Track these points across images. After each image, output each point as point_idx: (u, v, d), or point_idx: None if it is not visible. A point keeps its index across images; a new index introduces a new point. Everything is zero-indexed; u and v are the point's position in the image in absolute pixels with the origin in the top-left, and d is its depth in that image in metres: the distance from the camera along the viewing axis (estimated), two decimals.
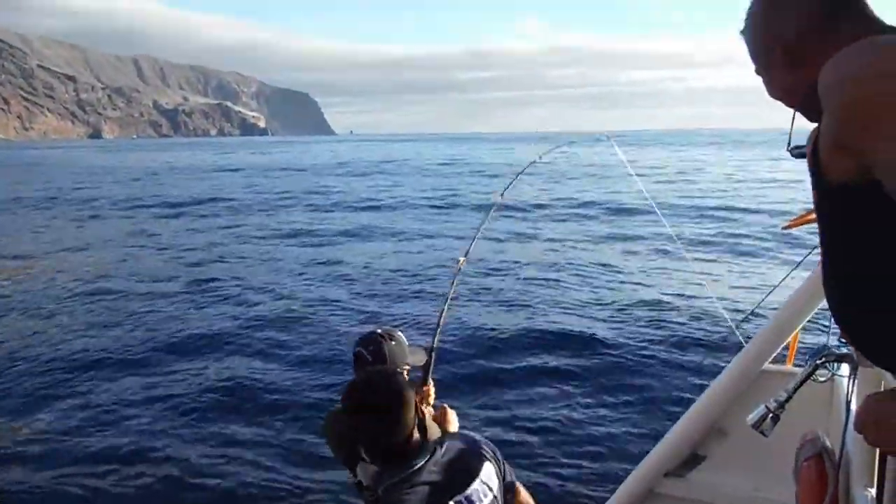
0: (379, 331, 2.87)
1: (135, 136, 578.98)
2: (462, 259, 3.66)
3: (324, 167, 61.45)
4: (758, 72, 1.41)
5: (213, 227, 23.66)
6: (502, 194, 4.02)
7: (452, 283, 3.62)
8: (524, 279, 13.52)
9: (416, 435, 2.06)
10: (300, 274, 15.32)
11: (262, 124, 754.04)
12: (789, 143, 1.71)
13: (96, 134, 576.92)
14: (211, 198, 32.57)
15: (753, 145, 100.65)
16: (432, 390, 3.07)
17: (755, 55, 1.39)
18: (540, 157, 4.60)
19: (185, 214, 27.05)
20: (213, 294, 13.41)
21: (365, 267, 15.63)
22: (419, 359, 2.98)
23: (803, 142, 1.43)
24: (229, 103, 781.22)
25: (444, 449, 2.11)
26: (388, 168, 57.50)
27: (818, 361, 1.94)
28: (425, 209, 26.56)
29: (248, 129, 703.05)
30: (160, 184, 44.34)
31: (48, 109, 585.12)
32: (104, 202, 31.90)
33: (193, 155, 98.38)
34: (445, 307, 3.46)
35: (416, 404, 2.06)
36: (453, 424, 2.93)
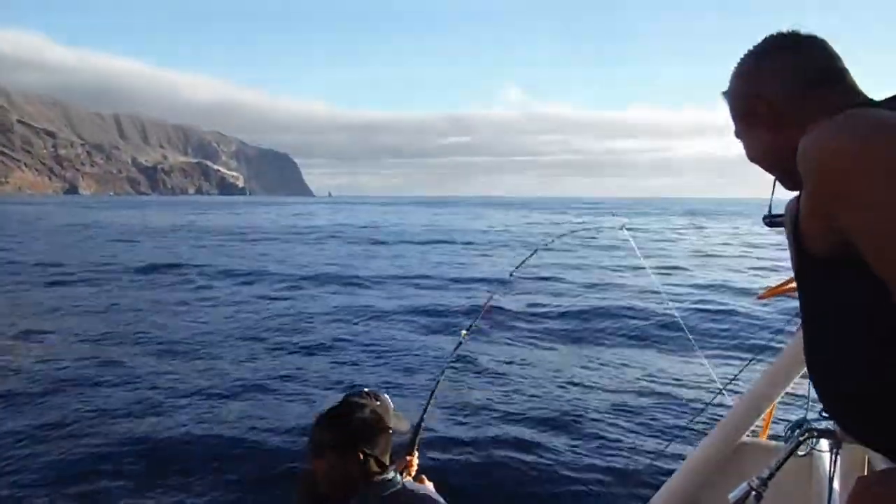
0: (366, 389, 2.73)
1: (112, 193, 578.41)
2: (464, 332, 3.60)
3: (293, 231, 61.23)
4: (737, 134, 1.44)
5: (182, 293, 23.41)
6: (469, 329, 3.68)
7: (454, 352, 3.61)
8: (520, 361, 13.33)
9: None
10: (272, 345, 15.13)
11: (240, 184, 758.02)
12: (769, 211, 1.70)
13: (72, 189, 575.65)
14: (174, 263, 31.99)
15: (729, 216, 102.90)
16: (416, 461, 2.97)
17: (738, 114, 1.42)
18: (512, 273, 4.31)
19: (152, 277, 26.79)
20: (177, 361, 13.18)
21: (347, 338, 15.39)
22: (402, 425, 2.86)
23: (779, 211, 1.43)
24: (209, 162, 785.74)
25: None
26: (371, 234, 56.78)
27: (800, 438, 1.90)
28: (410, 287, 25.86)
29: (226, 188, 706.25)
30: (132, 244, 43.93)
31: (25, 164, 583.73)
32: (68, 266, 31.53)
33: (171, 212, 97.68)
34: (441, 378, 3.43)
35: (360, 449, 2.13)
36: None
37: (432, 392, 3.35)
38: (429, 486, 2.88)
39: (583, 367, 11.39)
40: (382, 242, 44.12)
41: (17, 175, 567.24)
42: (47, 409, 9.86)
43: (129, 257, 32.35)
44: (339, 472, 2.19)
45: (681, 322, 10.85)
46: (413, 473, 2.92)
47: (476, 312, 3.77)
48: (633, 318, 13.38)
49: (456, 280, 22.59)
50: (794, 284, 2.43)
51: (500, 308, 12.68)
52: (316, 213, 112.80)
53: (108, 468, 7.70)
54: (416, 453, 2.99)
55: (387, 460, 2.26)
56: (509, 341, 12.72)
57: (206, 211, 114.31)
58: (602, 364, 11.34)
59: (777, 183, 1.44)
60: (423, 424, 3.14)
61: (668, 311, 12.18)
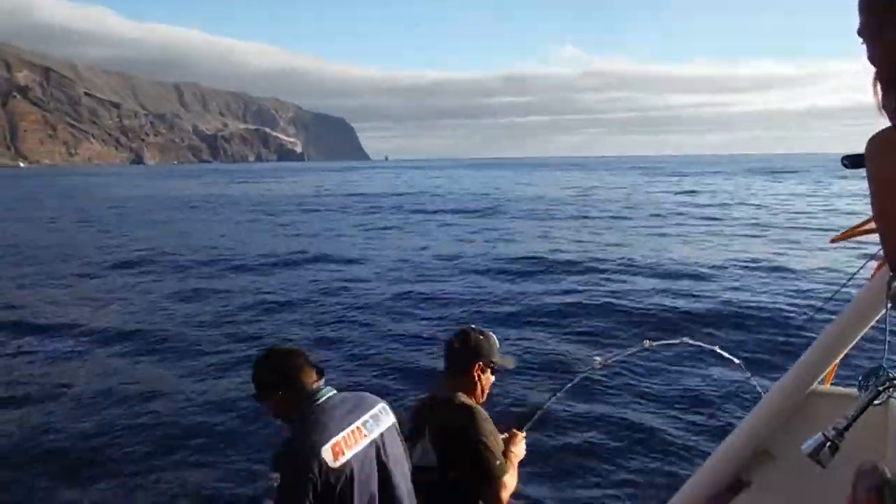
0: (474, 326, 3.15)
1: (175, 162, 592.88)
2: (599, 360, 3.50)
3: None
4: (867, 31, 1.38)
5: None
6: (603, 363, 3.58)
7: (582, 372, 3.73)
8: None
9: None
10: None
11: (298, 150, 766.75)
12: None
13: (138, 159, 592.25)
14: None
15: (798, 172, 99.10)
16: (522, 437, 3.16)
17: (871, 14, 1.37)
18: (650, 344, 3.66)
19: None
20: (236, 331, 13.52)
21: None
22: (508, 363, 3.17)
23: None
24: (267, 129, 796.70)
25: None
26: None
27: (880, 387, 1.82)
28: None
29: (285, 154, 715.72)
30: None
31: (93, 136, 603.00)
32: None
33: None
34: (570, 385, 3.55)
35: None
36: (519, 448, 3.08)
37: (556, 391, 3.56)
38: (521, 445, 3.11)
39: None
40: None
41: (85, 146, 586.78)
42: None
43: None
44: (282, 407, 2.63)
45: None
46: (517, 446, 3.09)
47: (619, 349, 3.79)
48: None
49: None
50: (869, 226, 2.34)
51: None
52: (372, 178, 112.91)
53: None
54: (525, 432, 3.21)
55: (311, 376, 2.65)
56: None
57: (259, 179, 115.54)
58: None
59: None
60: (540, 413, 3.38)
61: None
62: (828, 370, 2.53)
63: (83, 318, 13.98)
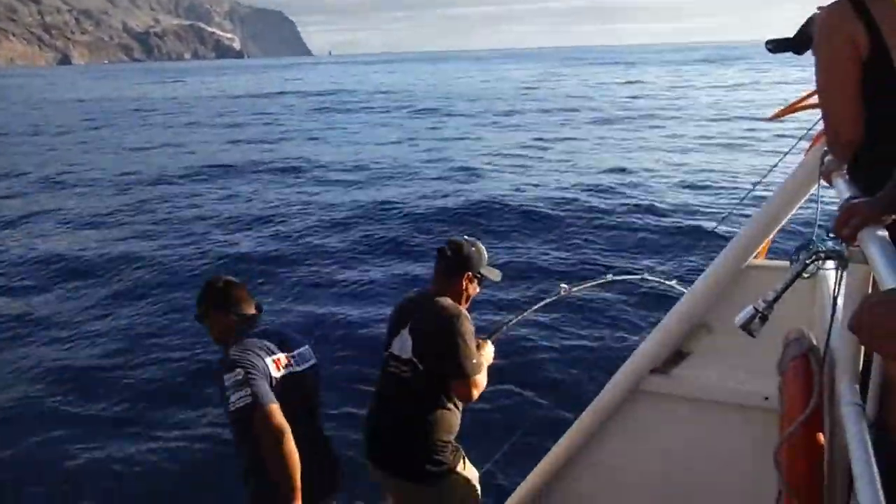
0: (466, 236, 3.23)
1: (106, 62, 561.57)
2: (566, 288, 3.74)
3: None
4: None
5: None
6: (569, 290, 3.75)
7: (549, 297, 3.78)
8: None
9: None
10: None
11: (237, 46, 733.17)
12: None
13: (65, 60, 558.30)
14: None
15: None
16: (488, 346, 3.26)
17: None
18: (614, 275, 4.26)
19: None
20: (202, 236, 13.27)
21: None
22: (494, 275, 3.23)
23: None
24: (202, 24, 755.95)
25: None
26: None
27: (807, 260, 1.88)
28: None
29: (223, 51, 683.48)
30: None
31: (12, 34, 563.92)
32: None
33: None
34: (536, 306, 3.73)
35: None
36: (487, 352, 3.20)
37: (525, 311, 3.68)
38: (490, 350, 3.24)
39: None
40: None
41: (6, 46, 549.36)
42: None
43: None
44: (222, 329, 2.94)
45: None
46: (485, 351, 3.21)
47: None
48: None
49: None
50: (809, 101, 2.38)
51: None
52: (314, 74, 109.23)
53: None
54: (491, 344, 3.31)
55: (251, 306, 3.01)
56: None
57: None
58: None
59: None
60: (505, 329, 3.54)
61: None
62: (762, 245, 2.64)
63: None
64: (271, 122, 35.84)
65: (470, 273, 3.09)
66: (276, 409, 2.60)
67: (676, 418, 2.95)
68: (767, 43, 2.02)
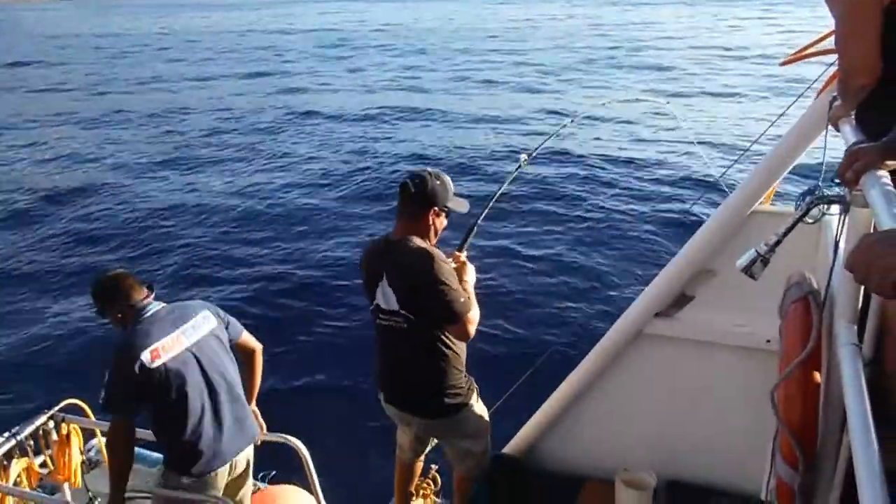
0: (428, 169, 3.04)
1: None
2: (524, 157, 3.70)
3: None
4: None
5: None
6: (529, 156, 3.75)
7: (512, 174, 3.71)
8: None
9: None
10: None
11: None
12: None
13: None
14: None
15: None
16: (463, 257, 3.20)
17: None
18: (572, 121, 4.46)
19: None
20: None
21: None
22: (461, 205, 3.08)
23: None
24: None
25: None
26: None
27: (810, 204, 1.91)
28: None
29: None
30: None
31: None
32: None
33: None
34: (499, 191, 3.59)
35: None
36: (469, 275, 3.12)
37: (489, 203, 3.51)
38: (471, 271, 3.16)
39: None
40: None
41: None
42: None
43: None
44: (119, 320, 3.11)
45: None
46: (466, 273, 3.14)
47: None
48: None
49: None
50: (818, 47, 2.36)
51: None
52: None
53: None
54: (465, 252, 3.24)
55: (141, 293, 3.14)
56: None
57: None
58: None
59: None
60: (475, 228, 3.38)
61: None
62: (768, 191, 2.65)
63: None
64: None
65: (436, 208, 2.94)
66: (118, 422, 3.00)
67: (680, 360, 3.01)
68: None
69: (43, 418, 3.63)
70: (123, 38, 51.45)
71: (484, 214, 3.43)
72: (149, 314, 3.08)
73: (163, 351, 2.98)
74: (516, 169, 3.71)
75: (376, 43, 42.19)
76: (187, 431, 3.03)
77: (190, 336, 3.10)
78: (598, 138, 15.27)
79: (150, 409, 3.10)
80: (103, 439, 3.78)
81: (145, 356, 2.93)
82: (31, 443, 3.64)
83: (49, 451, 3.74)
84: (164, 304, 3.18)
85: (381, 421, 3.34)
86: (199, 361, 3.10)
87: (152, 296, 3.18)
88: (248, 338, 3.44)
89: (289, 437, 3.62)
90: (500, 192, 3.60)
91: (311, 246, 9.16)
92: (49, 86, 27.16)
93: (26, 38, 53.93)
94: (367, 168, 13.08)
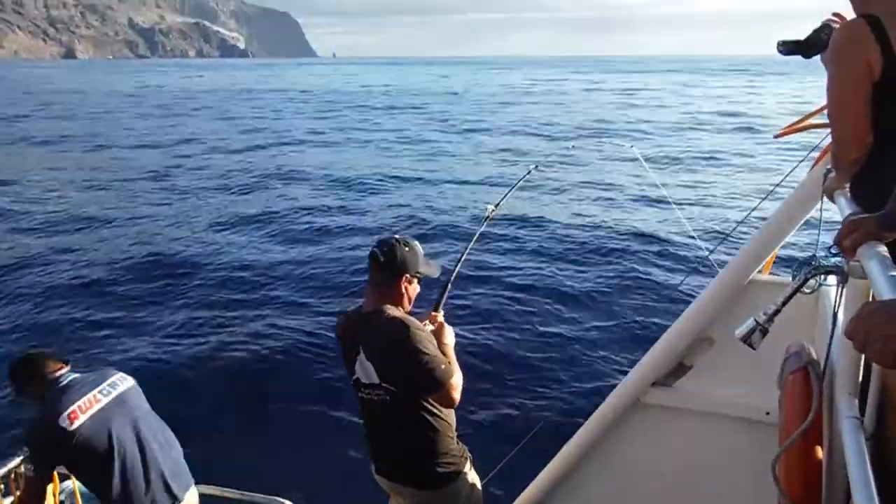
0: (396, 236, 2.99)
1: (110, 57, 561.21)
2: (491, 208, 3.73)
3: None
4: None
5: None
6: (497, 205, 3.79)
7: (480, 226, 3.71)
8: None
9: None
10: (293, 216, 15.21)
11: (241, 45, 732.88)
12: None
13: (70, 54, 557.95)
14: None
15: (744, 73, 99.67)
16: (440, 317, 3.15)
17: None
18: (536, 167, 4.55)
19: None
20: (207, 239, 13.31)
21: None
22: (432, 271, 3.03)
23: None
24: (207, 22, 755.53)
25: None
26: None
27: (808, 274, 1.91)
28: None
29: (227, 50, 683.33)
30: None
31: (18, 27, 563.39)
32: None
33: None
34: (470, 245, 3.58)
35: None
36: (449, 337, 3.04)
37: (459, 259, 3.47)
38: (450, 333, 3.09)
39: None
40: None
41: (11, 38, 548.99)
42: None
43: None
44: (36, 398, 3.18)
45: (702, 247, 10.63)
46: (445, 336, 3.06)
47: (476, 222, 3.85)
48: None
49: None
50: (811, 121, 2.42)
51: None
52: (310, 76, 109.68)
53: None
54: (442, 311, 3.19)
55: (56, 366, 3.20)
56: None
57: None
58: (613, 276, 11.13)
59: None
60: (449, 286, 3.32)
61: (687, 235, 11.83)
62: (766, 260, 2.67)
63: None
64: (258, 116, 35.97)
65: (408, 275, 2.88)
66: (35, 481, 3.07)
67: (678, 431, 2.97)
68: (779, 44, 2.06)
69: (16, 461, 3.54)
70: (129, 95, 52.62)
71: (456, 271, 3.39)
72: (64, 383, 3.14)
73: (80, 411, 3.03)
74: (484, 220, 3.70)
75: (345, 104, 43.78)
76: (116, 486, 3.05)
77: (108, 394, 3.15)
78: (562, 184, 15.75)
79: (77, 469, 3.16)
80: (78, 483, 3.72)
81: (63, 421, 2.98)
82: (2, 486, 3.54)
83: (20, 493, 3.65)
84: (78, 374, 3.24)
85: (374, 491, 3.26)
86: (120, 417, 3.13)
87: (68, 367, 3.25)
88: None
89: (279, 498, 3.53)
90: (470, 246, 3.57)
91: (287, 313, 9.10)
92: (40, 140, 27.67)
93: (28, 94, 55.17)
94: (337, 230, 13.23)
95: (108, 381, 3.22)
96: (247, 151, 24.55)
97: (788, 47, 2.22)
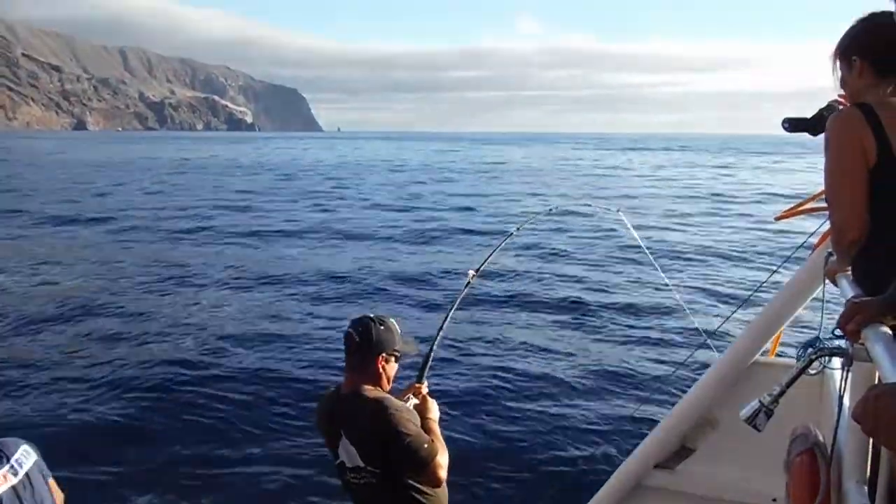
0: (371, 315, 2.95)
1: (120, 129, 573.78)
2: (472, 273, 3.75)
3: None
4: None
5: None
6: (477, 271, 3.84)
7: (461, 292, 3.67)
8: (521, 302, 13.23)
9: None
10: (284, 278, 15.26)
11: (249, 119, 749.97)
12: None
13: (81, 125, 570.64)
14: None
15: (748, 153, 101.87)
16: (424, 389, 3.12)
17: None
18: (518, 229, 4.61)
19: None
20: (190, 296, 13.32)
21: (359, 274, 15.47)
22: (410, 349, 3.01)
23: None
24: (216, 97, 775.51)
25: None
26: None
27: (812, 356, 1.90)
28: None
29: (234, 123, 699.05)
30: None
31: (32, 99, 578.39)
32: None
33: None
34: (451, 312, 3.54)
35: None
36: (433, 412, 3.00)
37: (440, 326, 3.44)
38: (431, 403, 3.05)
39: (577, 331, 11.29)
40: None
41: (24, 110, 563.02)
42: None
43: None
44: None
45: (685, 308, 10.70)
46: (430, 411, 3.02)
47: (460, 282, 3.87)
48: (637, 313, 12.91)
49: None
50: (811, 205, 2.45)
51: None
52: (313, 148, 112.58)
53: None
54: (426, 382, 3.16)
55: None
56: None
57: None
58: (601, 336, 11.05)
59: None
60: (432, 355, 3.29)
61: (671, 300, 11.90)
62: (770, 342, 2.65)
63: None
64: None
65: (384, 353, 2.85)
66: None
67: None
68: (784, 121, 2.12)
69: None
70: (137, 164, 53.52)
71: (438, 339, 3.35)
72: None
73: None
74: (465, 286, 3.67)
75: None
76: None
77: (17, 471, 2.92)
78: (545, 249, 15.83)
79: None
80: None
81: None
82: None
83: None
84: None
85: None
86: (25, 499, 2.90)
87: None
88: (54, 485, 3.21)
89: None
90: (451, 313, 3.54)
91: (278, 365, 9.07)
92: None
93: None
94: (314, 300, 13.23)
95: (15, 457, 2.93)
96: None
97: (793, 124, 2.27)
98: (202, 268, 15.93)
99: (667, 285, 12.12)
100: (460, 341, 9.86)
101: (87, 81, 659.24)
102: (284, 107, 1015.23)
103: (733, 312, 4.01)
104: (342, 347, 2.87)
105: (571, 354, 9.60)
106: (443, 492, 2.88)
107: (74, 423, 7.37)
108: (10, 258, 17.04)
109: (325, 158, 76.39)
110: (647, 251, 5.98)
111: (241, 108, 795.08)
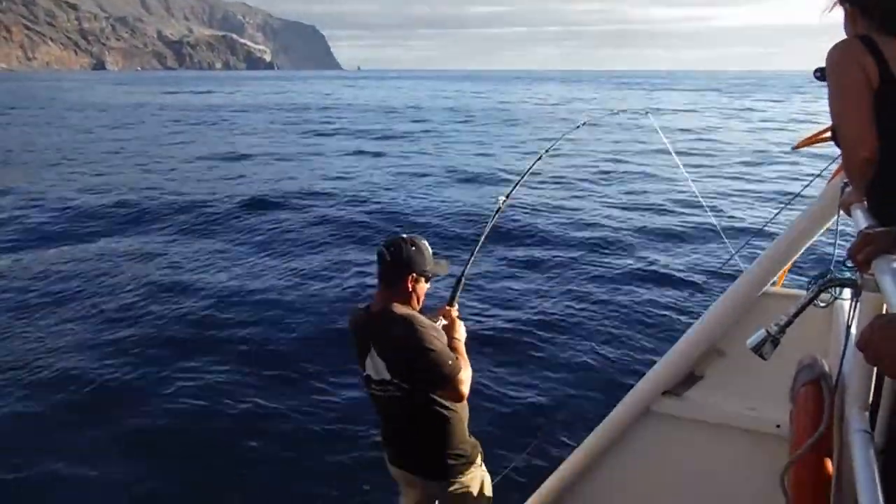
0: (404, 235, 3.05)
1: (139, 69, 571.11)
2: (503, 198, 3.76)
3: None
4: None
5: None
6: (507, 196, 3.82)
7: (492, 217, 3.69)
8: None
9: None
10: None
11: (267, 58, 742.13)
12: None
13: (100, 65, 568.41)
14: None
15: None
16: (455, 312, 3.22)
17: None
18: (546, 152, 4.51)
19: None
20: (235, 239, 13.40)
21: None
22: (441, 269, 3.11)
23: None
24: (235, 36, 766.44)
25: None
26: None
27: (821, 286, 1.90)
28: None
29: (253, 62, 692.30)
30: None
31: (51, 39, 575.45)
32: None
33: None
34: (482, 238, 3.57)
35: None
36: (460, 333, 3.12)
37: (472, 251, 3.50)
38: (461, 329, 3.14)
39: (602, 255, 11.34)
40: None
41: (43, 50, 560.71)
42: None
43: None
44: None
45: (715, 223, 10.75)
46: (457, 331, 3.14)
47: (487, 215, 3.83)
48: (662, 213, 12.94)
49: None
50: (829, 134, 2.41)
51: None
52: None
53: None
54: (456, 305, 3.25)
55: None
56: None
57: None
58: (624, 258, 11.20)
59: None
60: (463, 280, 3.38)
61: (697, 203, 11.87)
62: (780, 273, 2.65)
63: None
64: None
65: (414, 273, 2.95)
66: None
67: (687, 441, 2.95)
68: (816, 71, 2.09)
69: None
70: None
71: (469, 265, 3.42)
72: None
73: None
74: (495, 213, 3.71)
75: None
76: None
77: None
78: (576, 166, 15.68)
79: None
80: None
81: None
82: None
83: None
84: None
85: (386, 480, 3.28)
86: None
87: None
88: None
89: None
90: (482, 239, 3.60)
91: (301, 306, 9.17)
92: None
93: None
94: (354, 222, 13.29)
95: None
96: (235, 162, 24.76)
97: (825, 73, 2.24)
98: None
99: (693, 191, 12.20)
100: (492, 267, 10.03)
101: (105, 20, 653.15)
102: (303, 45, 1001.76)
103: (746, 243, 3.97)
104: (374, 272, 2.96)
105: (596, 272, 9.83)
106: (463, 407, 3.01)
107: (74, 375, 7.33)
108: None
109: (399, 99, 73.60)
110: (674, 155, 5.88)
111: (260, 47, 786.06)
